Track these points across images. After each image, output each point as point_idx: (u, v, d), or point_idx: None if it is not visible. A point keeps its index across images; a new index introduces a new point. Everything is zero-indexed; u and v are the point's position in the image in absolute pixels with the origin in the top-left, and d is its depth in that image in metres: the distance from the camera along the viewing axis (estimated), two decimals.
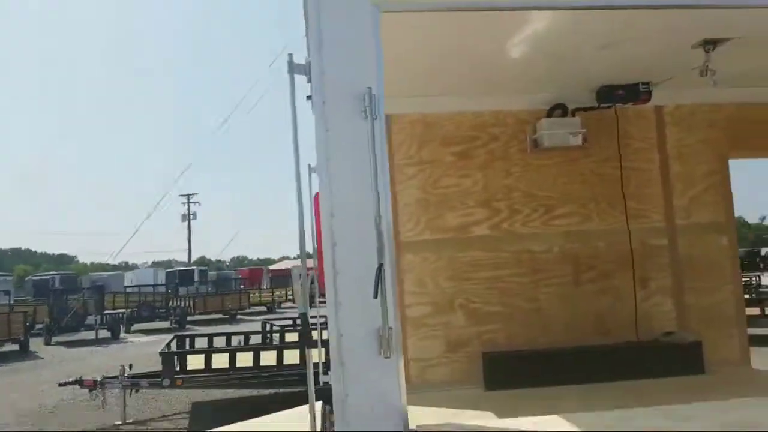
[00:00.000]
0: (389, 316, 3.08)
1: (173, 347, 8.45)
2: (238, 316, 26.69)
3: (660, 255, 5.76)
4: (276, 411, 5.77)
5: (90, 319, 20.22)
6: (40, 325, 19.67)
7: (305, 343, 3.02)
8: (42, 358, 15.73)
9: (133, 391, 7.98)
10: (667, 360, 5.07)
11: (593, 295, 5.78)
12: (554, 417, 3.07)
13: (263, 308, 30.62)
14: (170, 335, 20.82)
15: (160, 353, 7.59)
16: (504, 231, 5.72)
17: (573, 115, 5.37)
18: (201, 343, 9.14)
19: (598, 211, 5.79)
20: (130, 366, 7.94)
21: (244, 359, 7.42)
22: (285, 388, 7.70)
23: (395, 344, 3.12)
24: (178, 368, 7.24)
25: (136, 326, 23.19)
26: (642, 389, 4.31)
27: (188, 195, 57.31)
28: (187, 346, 8.77)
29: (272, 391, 8.47)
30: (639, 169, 5.60)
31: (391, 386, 3.14)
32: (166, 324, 23.93)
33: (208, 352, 7.64)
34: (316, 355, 7.83)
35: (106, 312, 21.67)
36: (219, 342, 9.33)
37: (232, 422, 5.73)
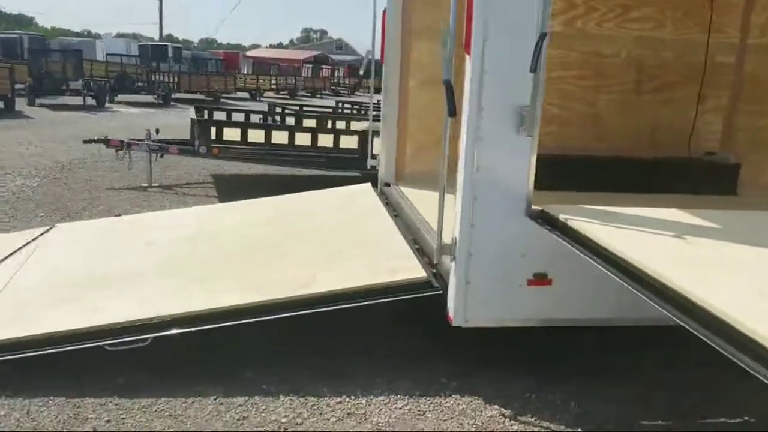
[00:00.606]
0: (539, 93, 2.94)
1: (194, 116, 8.23)
2: (222, 99, 26.06)
3: (723, 73, 5.62)
4: (295, 190, 5.85)
5: (74, 84, 19.45)
6: (20, 85, 18.82)
7: (449, 112, 2.89)
8: (33, 118, 15.32)
9: (159, 156, 7.90)
10: (703, 178, 5.20)
11: (652, 105, 5.72)
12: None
13: (245, 94, 29.90)
14: (156, 110, 20.63)
15: (196, 120, 7.39)
16: (577, 29, 5.44)
17: None
18: (220, 117, 8.94)
19: (673, 19, 5.51)
20: (157, 130, 7.77)
21: (278, 138, 7.33)
22: (316, 169, 7.75)
23: (537, 124, 3.03)
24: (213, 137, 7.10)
25: (120, 97, 22.58)
26: (681, 202, 4.44)
27: None
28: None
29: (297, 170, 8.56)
30: None
31: (522, 165, 3.11)
32: (149, 98, 23.36)
33: (245, 126, 7.49)
34: (348, 142, 7.79)
35: (91, 78, 20.83)
36: (235, 119, 9.12)
37: (254, 197, 5.82)
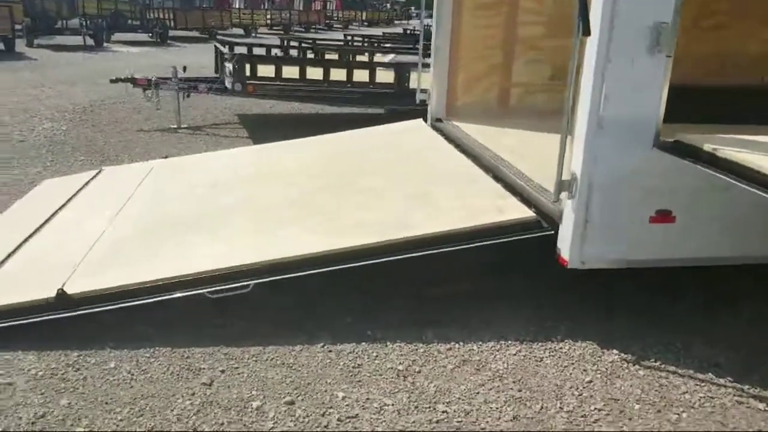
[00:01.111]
0: (680, 7, 2.67)
1: (225, 51, 7.80)
2: (218, 37, 25.08)
3: None
4: (317, 132, 5.56)
5: (71, 23, 18.57)
6: (18, 26, 17.96)
7: (584, 30, 2.61)
8: (36, 60, 14.65)
9: (186, 95, 7.54)
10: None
11: (720, 33, 5.43)
12: None
13: (240, 30, 28.74)
14: (155, 49, 19.85)
15: (232, 55, 6.96)
16: None
17: None
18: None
19: None
20: (184, 68, 7.38)
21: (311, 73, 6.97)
22: (352, 106, 7.42)
23: (674, 43, 2.77)
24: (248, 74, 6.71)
25: (115, 36, 21.66)
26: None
27: None
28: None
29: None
30: None
31: (654, 90, 2.85)
32: (144, 37, 22.46)
33: (280, 61, 7.09)
34: (381, 76, 7.44)
35: (88, 15, 19.89)
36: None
37: (286, 137, 5.54)
